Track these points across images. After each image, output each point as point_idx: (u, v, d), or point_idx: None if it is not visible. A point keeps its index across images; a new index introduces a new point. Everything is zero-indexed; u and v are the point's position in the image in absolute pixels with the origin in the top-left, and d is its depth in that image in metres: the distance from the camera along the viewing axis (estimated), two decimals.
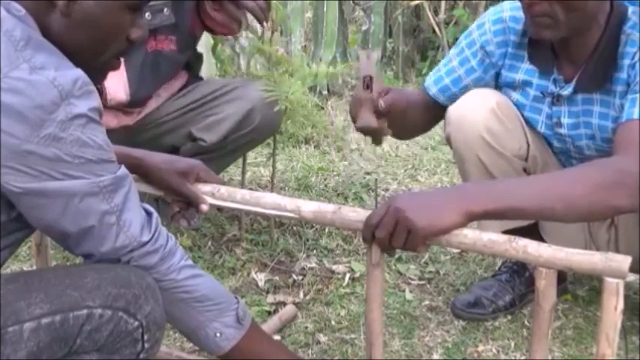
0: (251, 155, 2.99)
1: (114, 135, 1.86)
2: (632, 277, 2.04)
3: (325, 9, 3.92)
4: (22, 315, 1.20)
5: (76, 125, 1.18)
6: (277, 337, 1.98)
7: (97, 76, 1.31)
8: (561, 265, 1.28)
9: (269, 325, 1.98)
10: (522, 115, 1.94)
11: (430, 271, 2.33)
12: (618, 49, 1.74)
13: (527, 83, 1.91)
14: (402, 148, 3.33)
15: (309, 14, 4.12)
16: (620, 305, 1.23)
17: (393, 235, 1.34)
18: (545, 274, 1.29)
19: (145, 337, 1.31)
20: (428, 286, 2.27)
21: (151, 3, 2.15)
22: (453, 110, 1.95)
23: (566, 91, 1.84)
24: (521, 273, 2.15)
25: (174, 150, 2.29)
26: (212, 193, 1.55)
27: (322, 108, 3.79)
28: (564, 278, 2.17)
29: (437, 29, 4.38)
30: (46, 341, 1.21)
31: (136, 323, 1.29)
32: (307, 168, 3.07)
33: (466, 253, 2.42)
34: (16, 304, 1.20)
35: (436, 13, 4.41)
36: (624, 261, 1.23)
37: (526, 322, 2.07)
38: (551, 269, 1.29)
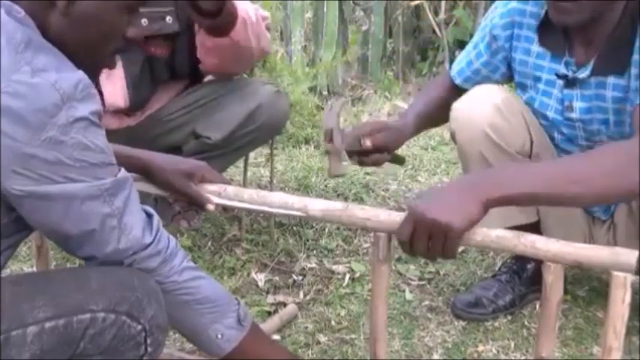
0: (251, 155, 2.97)
1: (116, 135, 1.86)
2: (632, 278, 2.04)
3: (325, 9, 3.91)
4: (26, 318, 1.20)
5: (78, 129, 1.19)
6: (277, 337, 1.98)
7: (92, 74, 1.31)
8: (570, 260, 1.28)
9: (269, 325, 1.98)
10: (534, 100, 1.93)
11: (430, 272, 2.34)
12: (637, 31, 1.70)
13: (538, 67, 1.90)
14: (402, 149, 3.30)
15: (309, 14, 4.11)
16: (628, 298, 1.25)
17: (431, 244, 1.33)
18: (553, 269, 1.30)
19: (148, 341, 1.31)
20: (428, 286, 2.27)
21: (152, 9, 2.14)
22: (457, 107, 1.95)
23: (583, 74, 1.80)
24: (521, 273, 2.15)
25: (176, 148, 2.27)
26: (218, 193, 1.54)
27: (322, 108, 3.78)
28: (564, 279, 2.17)
29: (437, 29, 4.37)
30: (50, 345, 1.21)
31: (139, 327, 1.29)
32: (307, 168, 3.06)
33: (466, 253, 2.42)
34: (20, 307, 1.21)
35: (436, 13, 4.40)
36: (632, 255, 1.25)
37: (526, 323, 2.07)
38: (560, 264, 1.29)
